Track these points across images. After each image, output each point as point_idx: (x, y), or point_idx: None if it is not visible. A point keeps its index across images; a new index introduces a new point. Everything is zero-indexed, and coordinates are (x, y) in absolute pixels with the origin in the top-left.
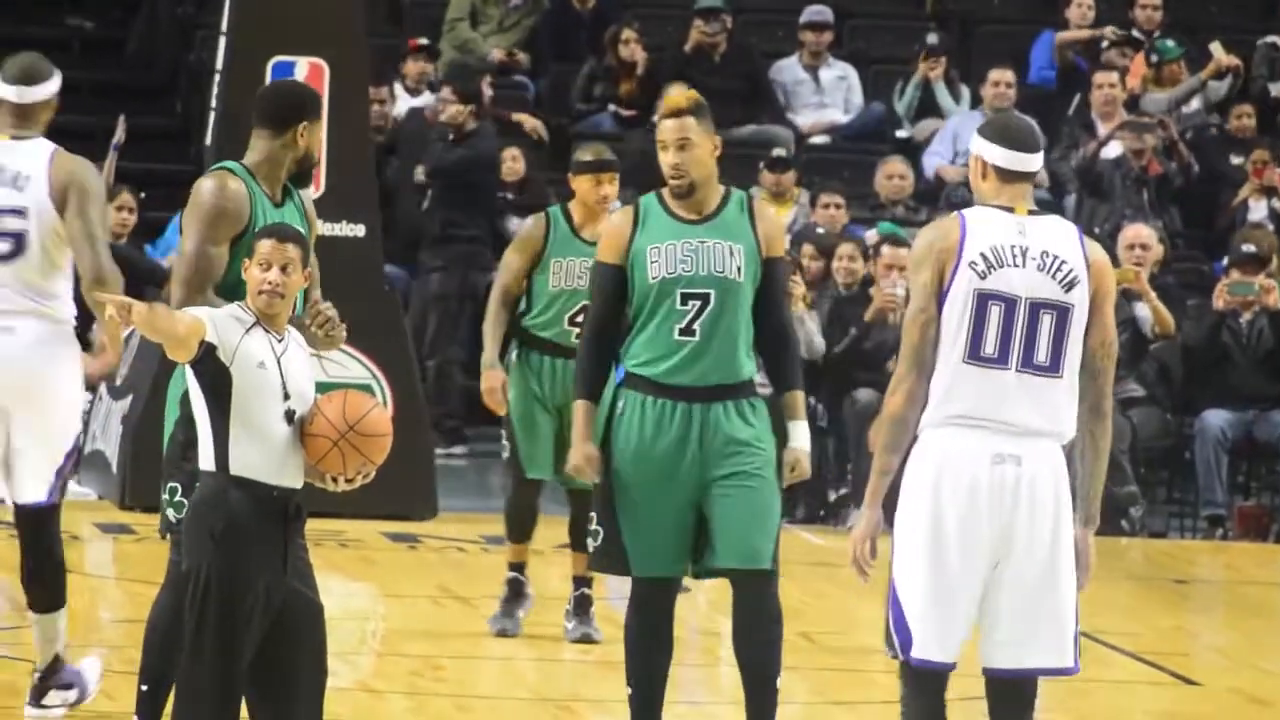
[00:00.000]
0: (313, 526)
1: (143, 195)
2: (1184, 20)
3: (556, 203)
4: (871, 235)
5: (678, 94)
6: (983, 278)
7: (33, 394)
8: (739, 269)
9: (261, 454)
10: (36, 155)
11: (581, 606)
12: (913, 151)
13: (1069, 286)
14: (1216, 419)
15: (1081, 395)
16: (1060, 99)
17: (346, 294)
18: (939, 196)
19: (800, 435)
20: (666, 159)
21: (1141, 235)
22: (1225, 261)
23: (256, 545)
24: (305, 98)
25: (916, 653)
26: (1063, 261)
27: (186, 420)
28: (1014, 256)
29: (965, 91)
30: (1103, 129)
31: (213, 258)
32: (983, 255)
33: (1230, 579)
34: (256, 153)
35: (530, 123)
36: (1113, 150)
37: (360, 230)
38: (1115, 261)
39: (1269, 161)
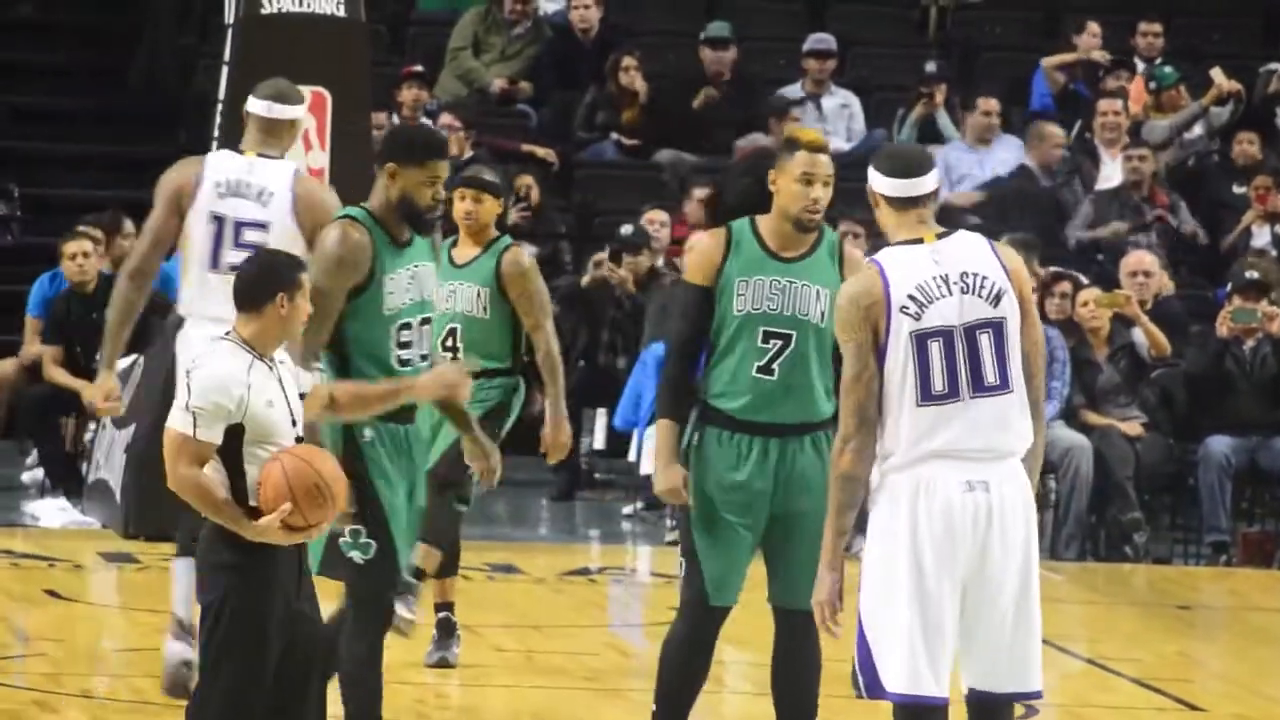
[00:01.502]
0: None
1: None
2: (1185, 48)
3: (564, 229)
4: None
5: (809, 130)
6: (917, 320)
7: None
8: (823, 313)
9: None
10: (281, 174)
11: (446, 630)
12: None
13: (996, 300)
14: (1220, 445)
15: None
16: (1061, 126)
17: None
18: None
19: None
20: (809, 193)
21: (1144, 262)
22: (1228, 288)
23: (276, 572)
24: (394, 139)
25: (903, 688)
26: (984, 278)
27: (351, 459)
28: (939, 287)
29: (965, 119)
30: (1105, 155)
31: (328, 302)
32: (910, 297)
33: (1234, 605)
34: (374, 195)
35: (542, 151)
36: (1114, 179)
37: None
38: (1118, 287)
39: (1271, 188)
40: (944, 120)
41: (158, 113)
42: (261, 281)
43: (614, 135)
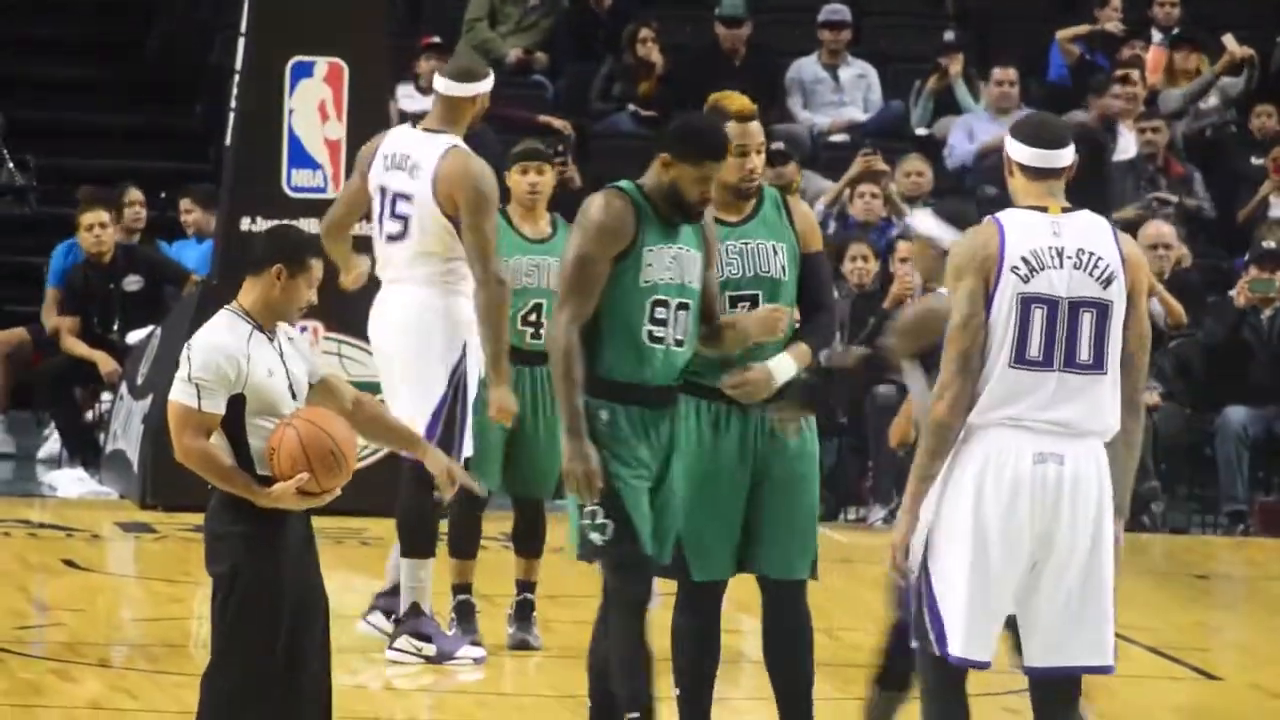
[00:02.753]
0: (334, 524)
1: (162, 195)
2: (1202, 17)
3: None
4: (923, 215)
5: (738, 97)
6: (1025, 281)
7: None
8: (783, 268)
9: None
10: (433, 149)
11: (523, 612)
12: (932, 148)
13: (1106, 283)
14: (1237, 415)
15: None
16: (1077, 96)
17: (365, 293)
18: (956, 192)
19: (777, 361)
20: (744, 164)
21: (1163, 234)
22: (1246, 258)
23: (285, 539)
24: (677, 132)
25: (955, 650)
26: (1099, 258)
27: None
28: (1052, 258)
29: (983, 89)
30: (1121, 126)
31: (593, 269)
32: (1024, 259)
33: (1251, 575)
34: (648, 173)
35: (559, 122)
36: (1130, 151)
37: None
38: None
39: None
40: (961, 90)
41: (175, 84)
42: (266, 248)
43: (630, 106)
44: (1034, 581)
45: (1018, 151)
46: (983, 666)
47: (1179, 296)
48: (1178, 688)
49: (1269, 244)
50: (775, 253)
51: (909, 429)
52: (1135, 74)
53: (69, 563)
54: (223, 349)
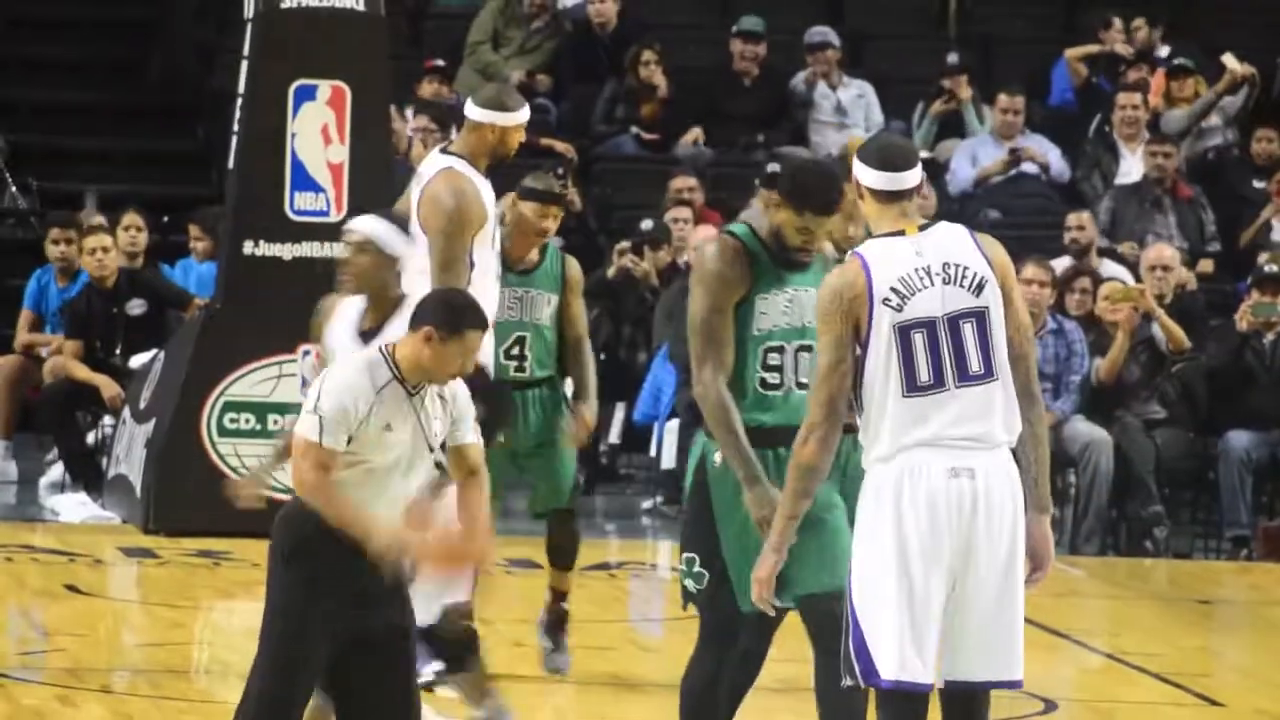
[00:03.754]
0: None
1: (165, 219)
2: (1202, 39)
3: (592, 224)
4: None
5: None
6: (899, 311)
7: None
8: None
9: (372, 495)
10: (432, 167)
11: (559, 623)
12: (935, 171)
13: (978, 290)
14: (1240, 440)
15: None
16: (1082, 119)
17: None
18: (959, 216)
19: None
20: (845, 227)
21: (1164, 256)
22: (1248, 282)
23: (324, 568)
24: (791, 178)
25: (888, 675)
26: (965, 268)
27: (699, 491)
28: (921, 279)
29: (987, 112)
30: (1124, 149)
31: (722, 319)
32: (893, 289)
33: (1254, 599)
34: (759, 215)
35: (561, 145)
36: (1134, 173)
37: None
38: (1138, 281)
39: None
40: (970, 114)
41: (178, 107)
42: (426, 307)
43: (633, 129)
44: (956, 595)
45: (866, 176)
46: (920, 689)
47: (1181, 320)
48: (1181, 713)
49: (1271, 268)
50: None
51: None
52: (1138, 97)
53: (71, 588)
54: (352, 389)
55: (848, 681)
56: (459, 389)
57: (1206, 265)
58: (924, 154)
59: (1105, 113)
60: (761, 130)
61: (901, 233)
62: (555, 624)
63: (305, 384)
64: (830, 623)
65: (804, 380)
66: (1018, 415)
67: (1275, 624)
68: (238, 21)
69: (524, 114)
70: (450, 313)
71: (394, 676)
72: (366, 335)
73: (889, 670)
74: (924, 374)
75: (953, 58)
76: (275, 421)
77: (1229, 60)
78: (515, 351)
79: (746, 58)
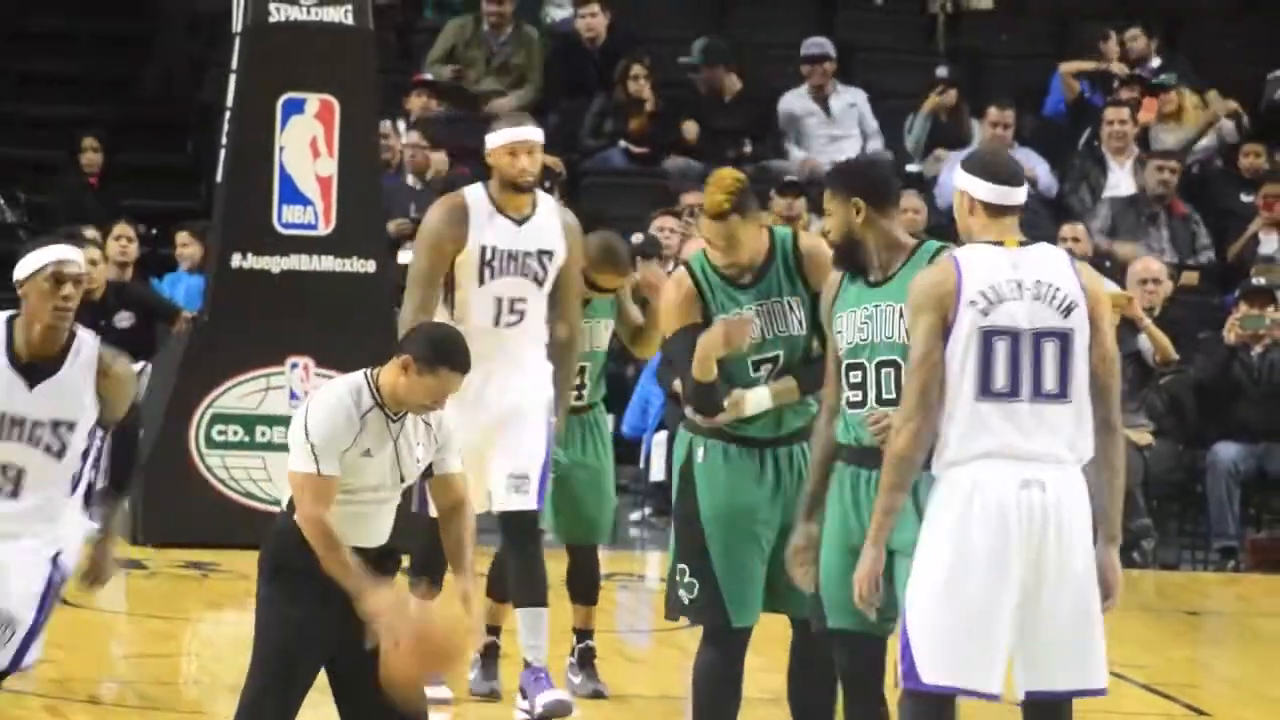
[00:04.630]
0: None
1: (154, 232)
2: (1195, 54)
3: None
4: None
5: (716, 193)
6: (985, 314)
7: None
8: (800, 321)
9: (339, 518)
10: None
11: (586, 659)
12: (925, 186)
13: (1067, 312)
14: (1228, 452)
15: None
16: (1071, 133)
17: (356, 329)
18: (948, 230)
19: (756, 392)
20: (720, 258)
21: (1152, 269)
22: (1236, 295)
23: (311, 581)
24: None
25: (927, 679)
26: (1058, 288)
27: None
28: (1011, 290)
29: (975, 126)
30: (1113, 163)
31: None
32: (982, 293)
33: (1242, 611)
34: (837, 224)
35: (549, 159)
36: (1123, 187)
37: (371, 266)
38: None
39: (1278, 195)
40: (965, 122)
41: (167, 121)
42: (410, 337)
43: (622, 143)
44: (1030, 607)
45: (977, 188)
46: (980, 697)
47: (1170, 333)
48: None
49: (1259, 281)
50: (791, 309)
51: None
52: (1127, 112)
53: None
54: (339, 413)
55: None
56: (445, 415)
57: (1191, 277)
58: (913, 167)
59: (1095, 127)
60: (749, 143)
61: (1001, 244)
62: (585, 660)
63: (293, 396)
64: (820, 646)
65: (890, 395)
66: (1088, 440)
67: (1263, 635)
68: (227, 35)
69: (509, 134)
70: (431, 348)
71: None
72: None
73: (932, 674)
74: (1000, 380)
75: (942, 71)
76: (263, 434)
77: (1214, 100)
78: (575, 380)
79: (712, 79)
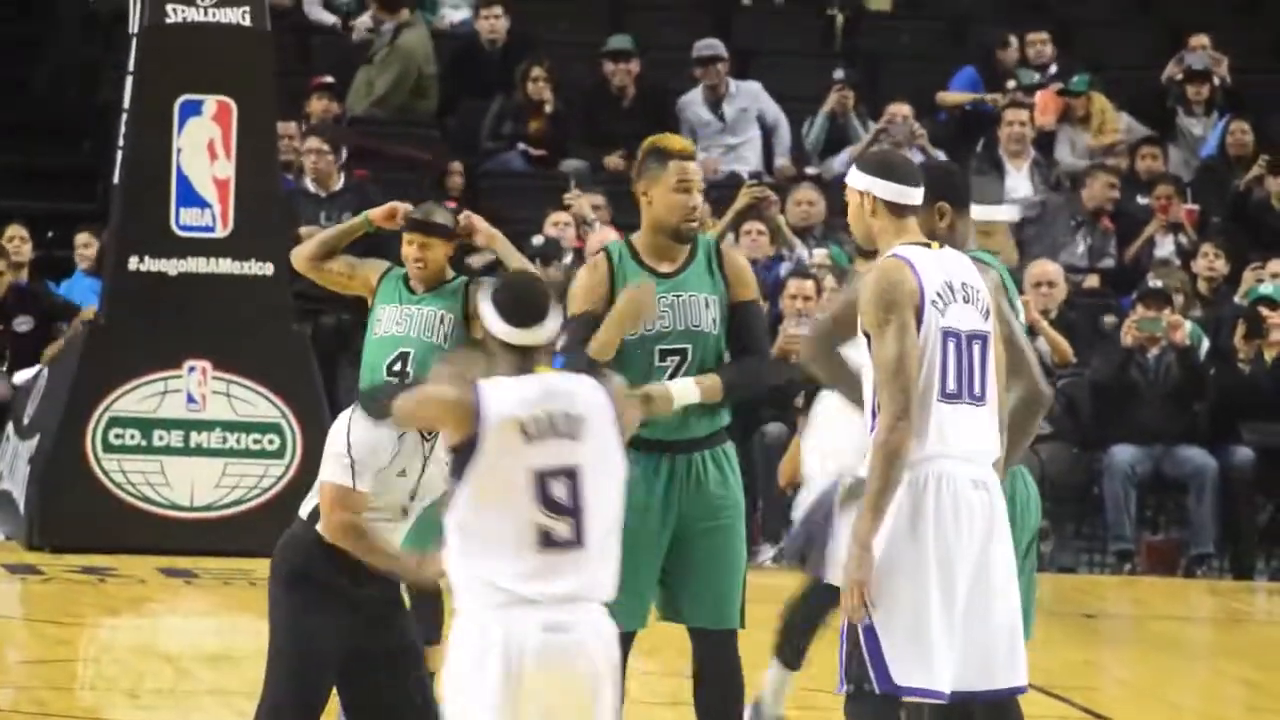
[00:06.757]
0: (223, 566)
1: (50, 234)
2: (1089, 56)
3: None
4: (820, 254)
5: (677, 138)
6: (942, 315)
7: None
8: (714, 320)
9: None
10: None
11: None
12: (825, 187)
13: (985, 315)
14: (1125, 454)
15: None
16: (967, 135)
17: (254, 332)
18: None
19: (681, 384)
20: (688, 200)
21: (1048, 272)
22: (1133, 297)
23: (324, 590)
24: (952, 175)
25: (901, 680)
26: (978, 291)
27: None
28: (951, 292)
29: (873, 126)
30: (1010, 166)
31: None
32: (939, 294)
33: (1139, 614)
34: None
35: (424, 155)
36: (1020, 190)
37: (269, 269)
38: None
39: (1173, 197)
40: (853, 126)
41: (63, 122)
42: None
43: (521, 145)
44: (976, 605)
45: (883, 189)
46: (935, 697)
47: (1065, 335)
48: None
49: (1155, 283)
50: (707, 306)
51: (797, 468)
52: (1025, 114)
53: None
54: (381, 432)
55: (848, 689)
56: None
57: (1093, 281)
58: (810, 170)
59: (992, 130)
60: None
61: (928, 245)
62: None
63: (191, 400)
64: (723, 656)
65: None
66: (999, 439)
67: (1159, 637)
68: (123, 37)
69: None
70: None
71: (404, 693)
72: None
73: (906, 677)
74: (951, 383)
75: (839, 73)
76: (160, 438)
77: (1125, 119)
78: (397, 368)
79: (620, 76)
